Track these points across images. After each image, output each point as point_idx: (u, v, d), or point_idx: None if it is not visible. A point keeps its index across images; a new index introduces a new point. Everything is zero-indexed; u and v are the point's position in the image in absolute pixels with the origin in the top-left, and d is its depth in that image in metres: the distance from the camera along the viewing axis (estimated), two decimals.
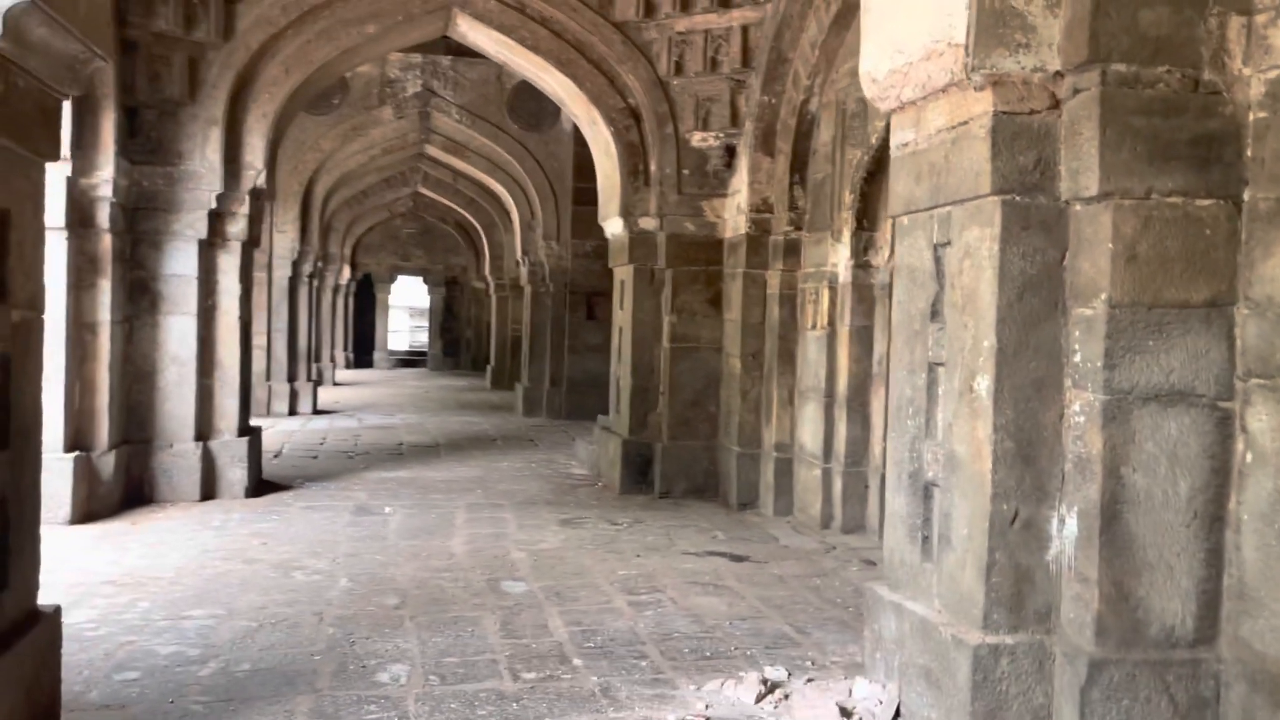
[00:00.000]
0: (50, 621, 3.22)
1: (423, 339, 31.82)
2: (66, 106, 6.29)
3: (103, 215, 6.76)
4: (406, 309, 34.37)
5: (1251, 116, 3.04)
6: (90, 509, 6.66)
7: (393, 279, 27.30)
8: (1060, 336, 3.20)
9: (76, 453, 6.57)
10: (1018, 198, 3.17)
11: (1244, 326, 3.05)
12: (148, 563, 5.63)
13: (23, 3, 2.59)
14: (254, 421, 9.78)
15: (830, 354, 7.00)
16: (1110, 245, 3.03)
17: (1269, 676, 2.91)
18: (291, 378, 13.93)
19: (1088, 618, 3.06)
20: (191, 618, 4.63)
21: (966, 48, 3.12)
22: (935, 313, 3.52)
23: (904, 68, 3.48)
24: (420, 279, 27.60)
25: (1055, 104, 3.18)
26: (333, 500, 7.69)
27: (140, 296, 7.27)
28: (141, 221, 7.23)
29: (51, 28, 2.79)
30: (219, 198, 7.37)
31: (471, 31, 8.41)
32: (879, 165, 6.34)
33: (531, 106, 13.48)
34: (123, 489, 7.10)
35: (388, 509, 7.39)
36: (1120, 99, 3.02)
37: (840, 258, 6.87)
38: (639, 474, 8.27)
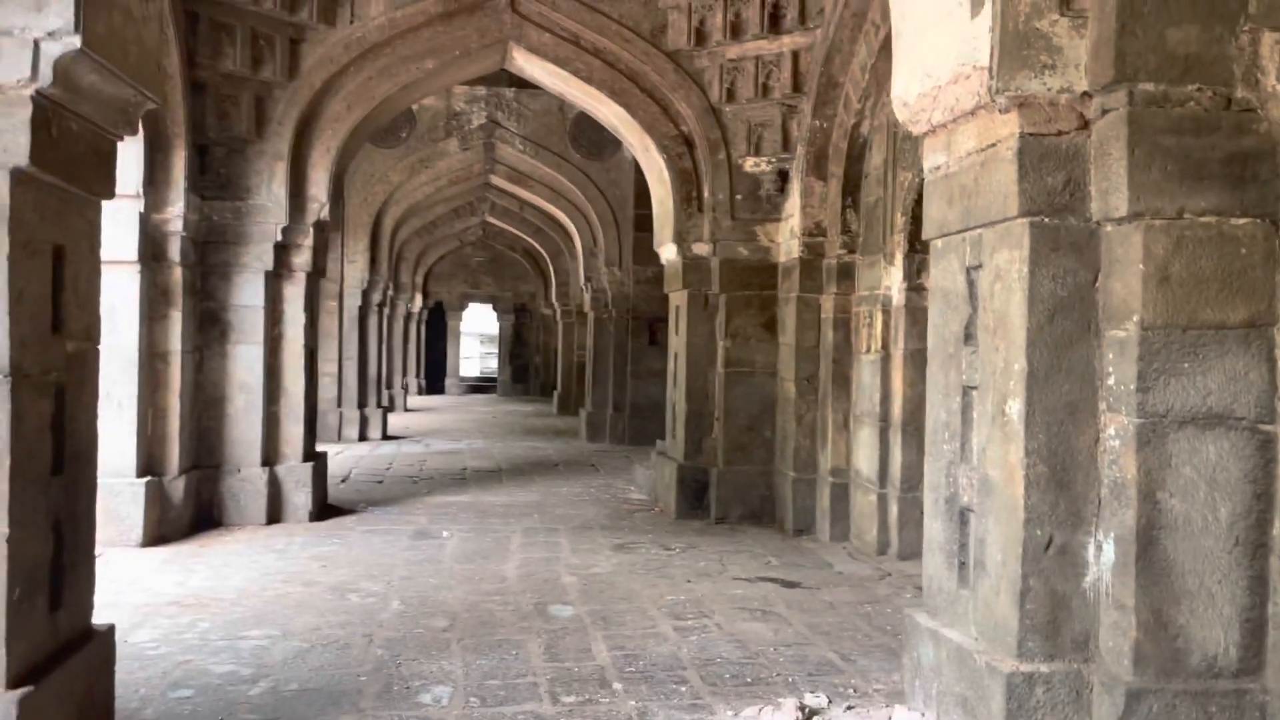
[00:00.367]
0: (104, 640, 3.36)
1: (493, 365, 32.23)
2: (138, 145, 6.70)
3: (174, 249, 7.05)
4: (477, 336, 34.87)
5: None
6: (160, 532, 6.90)
7: (463, 306, 27.75)
8: (1093, 359, 3.16)
9: (148, 477, 6.82)
10: (1046, 219, 3.14)
11: None
12: (211, 584, 5.81)
13: (71, 51, 2.70)
14: (324, 447, 10.04)
15: (884, 378, 6.94)
16: (1141, 266, 2.98)
17: None
18: (362, 404, 14.23)
19: (1125, 646, 3.00)
20: (248, 638, 4.77)
21: (990, 70, 3.11)
22: (969, 336, 3.50)
23: (933, 91, 3.48)
24: (490, 306, 28.01)
25: (1084, 124, 3.15)
26: (393, 524, 7.84)
27: (210, 327, 7.53)
28: (211, 254, 7.50)
29: (101, 74, 2.93)
30: (284, 230, 7.61)
31: (528, 65, 8.58)
32: None
33: (593, 135, 13.62)
34: (192, 512, 7.34)
35: (445, 533, 7.51)
36: (1149, 118, 2.98)
37: (893, 280, 6.82)
38: (695, 499, 8.27)
